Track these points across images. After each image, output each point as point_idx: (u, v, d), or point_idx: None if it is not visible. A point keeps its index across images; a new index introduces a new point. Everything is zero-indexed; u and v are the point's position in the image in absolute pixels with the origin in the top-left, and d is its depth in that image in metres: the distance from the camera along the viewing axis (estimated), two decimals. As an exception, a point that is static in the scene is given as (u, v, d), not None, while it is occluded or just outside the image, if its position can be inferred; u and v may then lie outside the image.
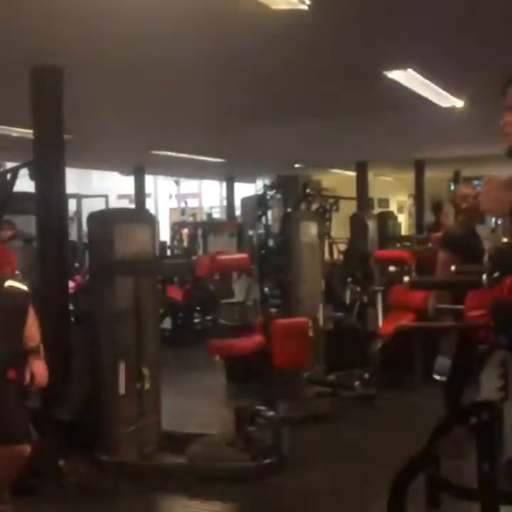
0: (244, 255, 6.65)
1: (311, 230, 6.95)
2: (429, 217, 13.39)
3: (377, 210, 13.45)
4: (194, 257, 7.67)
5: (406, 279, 2.80)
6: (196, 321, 10.25)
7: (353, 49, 5.29)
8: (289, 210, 9.33)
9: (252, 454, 4.68)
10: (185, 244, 14.08)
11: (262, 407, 4.89)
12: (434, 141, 10.15)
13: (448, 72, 6.01)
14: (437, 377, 5.24)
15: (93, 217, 5.11)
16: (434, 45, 5.11)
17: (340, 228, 10.86)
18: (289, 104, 7.57)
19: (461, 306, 3.17)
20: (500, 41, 5.02)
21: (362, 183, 12.44)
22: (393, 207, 18.44)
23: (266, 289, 8.34)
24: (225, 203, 17.33)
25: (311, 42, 5.02)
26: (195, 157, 11.45)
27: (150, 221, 5.53)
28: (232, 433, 4.89)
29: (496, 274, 1.98)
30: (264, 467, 4.65)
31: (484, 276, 1.99)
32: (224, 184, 17.49)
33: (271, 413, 4.87)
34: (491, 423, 2.63)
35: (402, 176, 16.30)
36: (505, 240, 1.94)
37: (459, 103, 7.29)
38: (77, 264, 10.14)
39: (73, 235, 14.37)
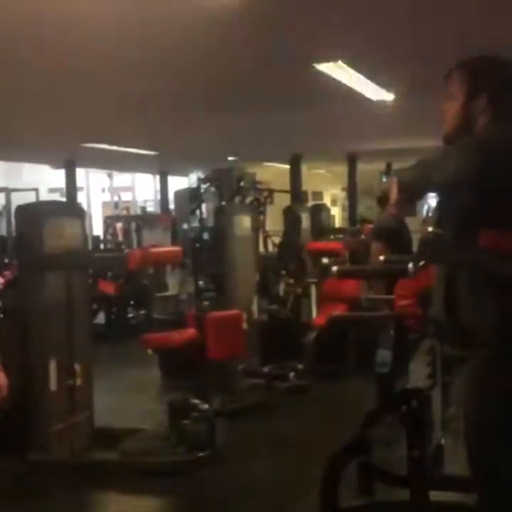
0: (176, 248, 6.59)
1: (244, 223, 6.94)
2: (361, 210, 13.59)
3: (311, 203, 13.52)
4: (126, 251, 7.58)
5: (334, 269, 2.81)
6: (130, 315, 10.13)
7: (283, 41, 5.30)
8: (223, 203, 9.30)
9: (187, 448, 4.66)
10: (119, 238, 13.91)
11: (196, 400, 4.87)
12: (366, 134, 10.26)
13: (378, 66, 6.09)
14: (380, 371, 5.29)
15: (20, 210, 4.98)
16: (364, 38, 5.16)
17: (275, 221, 10.89)
18: (221, 96, 7.55)
19: (391, 297, 3.21)
20: (430, 36, 5.09)
21: (295, 176, 12.50)
22: (327, 200, 18.61)
23: (200, 283, 8.30)
24: (158, 196, 17.18)
25: (242, 34, 5.02)
26: (128, 150, 11.32)
27: (80, 214, 5.43)
28: (166, 427, 4.86)
29: (422, 263, 2.00)
30: (198, 460, 4.62)
31: (410, 265, 2.01)
32: (157, 177, 17.34)
33: (205, 406, 4.85)
34: (420, 410, 2.67)
35: (335, 169, 16.45)
36: (430, 229, 1.96)
37: (389, 96, 7.39)
38: (6, 260, 9.91)
39: (2, 230, 14.09)
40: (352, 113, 8.47)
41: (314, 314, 7.20)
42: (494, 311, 2.02)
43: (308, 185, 14.75)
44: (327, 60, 5.76)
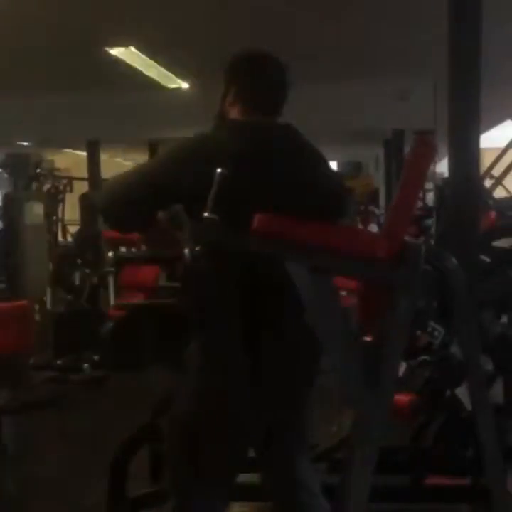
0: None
1: (36, 210, 6.69)
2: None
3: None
4: None
5: (110, 254, 2.74)
6: None
7: (76, 24, 5.14)
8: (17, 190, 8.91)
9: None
10: None
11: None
12: (165, 121, 10.22)
13: (171, 53, 6.07)
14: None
15: None
16: (155, 24, 5.11)
17: (75, 210, 10.58)
18: (15, 77, 7.20)
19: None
20: (224, 25, 5.14)
21: (93, 163, 12.20)
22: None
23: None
24: None
25: (36, 14, 4.80)
26: None
27: None
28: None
29: (198, 248, 1.99)
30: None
31: (187, 251, 1.99)
32: None
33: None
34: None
35: (137, 157, 16.29)
36: (205, 214, 1.95)
37: (184, 84, 7.40)
38: None
39: None
40: (149, 100, 8.40)
41: (112, 303, 7.09)
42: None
43: (109, 173, 14.48)
44: (119, 45, 5.65)
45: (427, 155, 2.10)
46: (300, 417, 2.27)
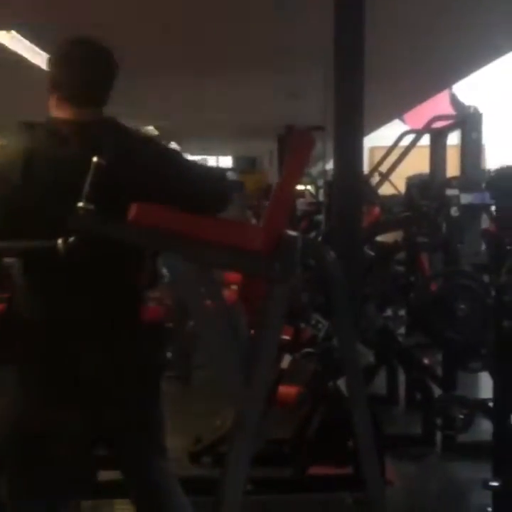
0: None
1: None
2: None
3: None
4: None
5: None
6: None
7: None
8: None
9: None
10: None
11: None
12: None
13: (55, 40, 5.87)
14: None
15: None
16: (35, 9, 4.92)
17: None
18: None
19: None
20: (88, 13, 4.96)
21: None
22: None
23: None
24: None
25: None
26: None
27: None
28: None
29: (72, 239, 1.94)
30: None
31: (59, 242, 1.94)
32: None
33: None
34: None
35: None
36: (80, 204, 1.90)
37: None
38: None
39: None
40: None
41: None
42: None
43: None
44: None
45: (304, 149, 2.12)
46: (145, 419, 2.22)
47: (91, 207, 1.91)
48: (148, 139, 2.34)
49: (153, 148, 2.20)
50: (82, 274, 2.05)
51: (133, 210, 1.89)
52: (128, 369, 2.11)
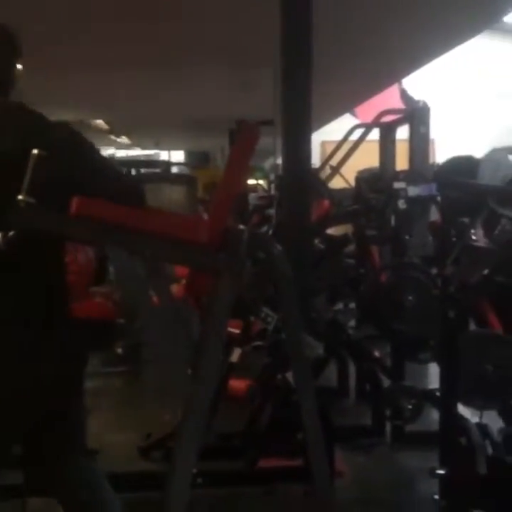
0: None
1: None
2: None
3: None
4: None
5: None
6: None
7: None
8: None
9: None
10: None
11: None
12: None
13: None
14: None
15: None
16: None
17: None
18: None
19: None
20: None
21: None
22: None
23: None
24: None
25: None
26: None
27: None
28: None
29: (12, 234, 1.90)
30: None
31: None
32: None
33: None
34: None
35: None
36: (20, 197, 1.87)
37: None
38: None
39: None
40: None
41: None
42: None
43: None
44: None
45: (249, 142, 2.11)
46: (63, 419, 2.21)
47: (32, 200, 1.88)
48: (56, 123, 2.23)
49: (64, 131, 2.15)
50: (7, 271, 2.00)
51: (75, 204, 1.87)
52: (45, 369, 2.06)
